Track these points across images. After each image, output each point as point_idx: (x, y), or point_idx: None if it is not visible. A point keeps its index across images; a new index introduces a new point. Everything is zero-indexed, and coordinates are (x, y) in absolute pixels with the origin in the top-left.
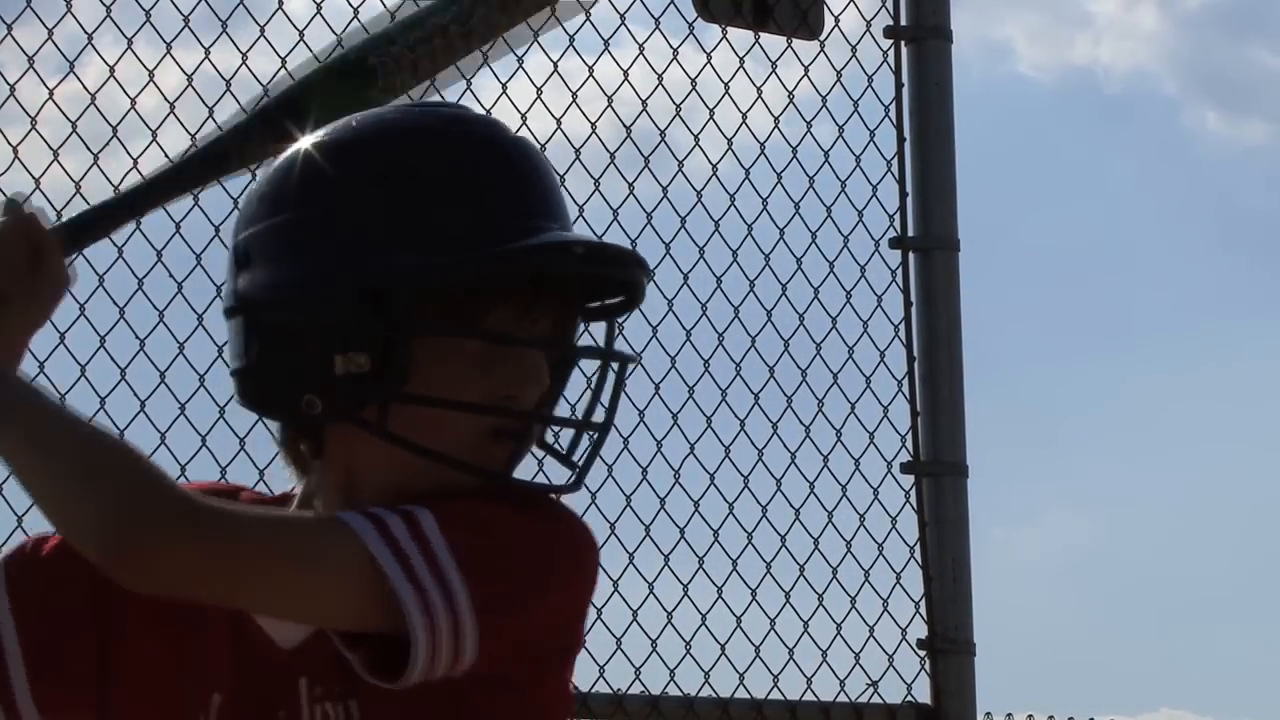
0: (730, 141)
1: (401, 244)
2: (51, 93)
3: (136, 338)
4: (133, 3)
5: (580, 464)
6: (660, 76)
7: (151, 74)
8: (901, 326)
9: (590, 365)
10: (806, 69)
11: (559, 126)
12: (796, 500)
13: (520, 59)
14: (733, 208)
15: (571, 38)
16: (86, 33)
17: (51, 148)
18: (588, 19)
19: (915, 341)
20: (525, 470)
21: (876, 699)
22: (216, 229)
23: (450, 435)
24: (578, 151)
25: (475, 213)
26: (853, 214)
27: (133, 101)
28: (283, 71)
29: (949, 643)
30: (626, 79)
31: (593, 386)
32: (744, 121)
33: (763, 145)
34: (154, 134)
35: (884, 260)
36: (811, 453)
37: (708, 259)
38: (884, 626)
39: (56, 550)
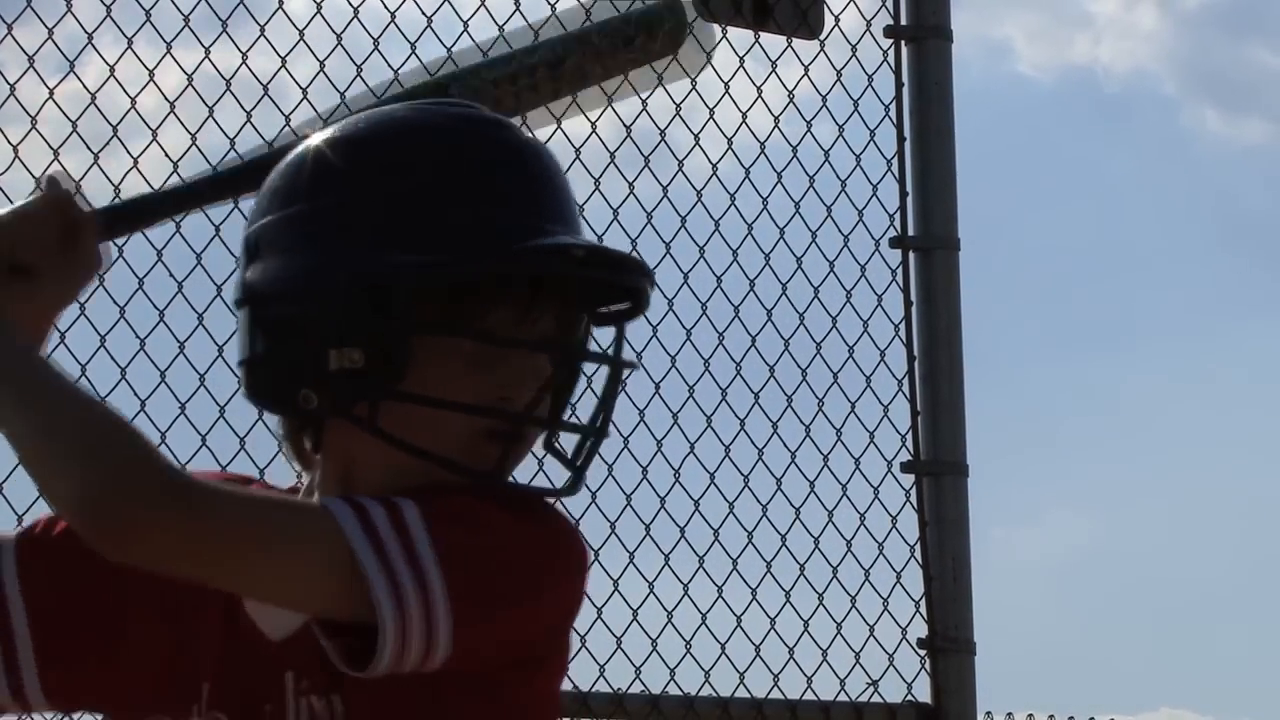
0: (730, 141)
1: (402, 241)
2: (52, 92)
3: (137, 337)
4: (133, 3)
5: (575, 469)
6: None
7: (151, 74)
8: (901, 326)
9: (587, 368)
10: (806, 69)
11: (559, 126)
12: (797, 500)
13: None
14: (733, 207)
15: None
16: (86, 32)
17: (52, 147)
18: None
19: (915, 341)
20: (525, 472)
21: (877, 698)
22: (217, 229)
23: (445, 434)
24: (578, 151)
25: (480, 213)
26: (853, 214)
27: (133, 101)
28: (283, 72)
29: (949, 642)
30: (626, 79)
31: (598, 393)
32: (744, 121)
33: (763, 145)
34: (154, 134)
35: (884, 260)
36: (812, 452)
37: (708, 259)
38: (884, 626)
39: (66, 532)
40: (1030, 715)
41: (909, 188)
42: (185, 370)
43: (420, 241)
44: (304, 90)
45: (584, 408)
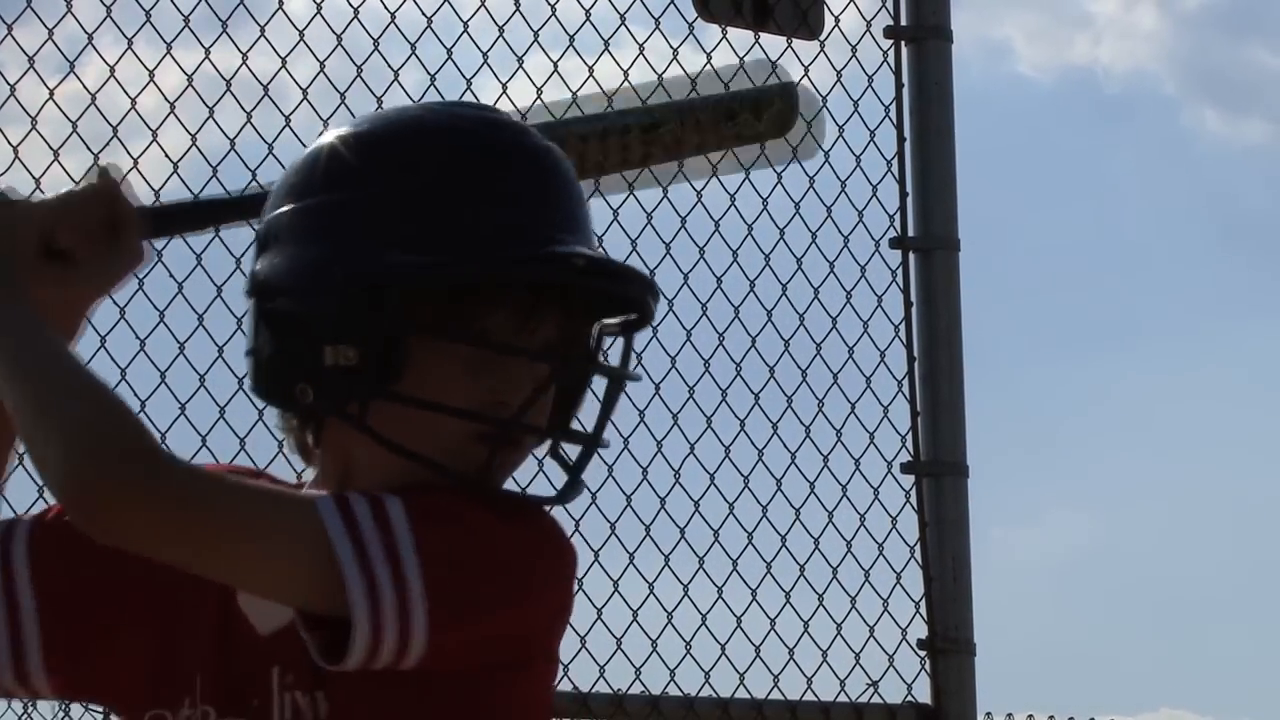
0: None
1: (404, 240)
2: (52, 93)
3: (137, 338)
4: (133, 3)
5: (570, 475)
6: (660, 76)
7: (151, 74)
8: (901, 326)
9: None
10: (806, 69)
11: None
12: (796, 500)
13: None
14: (733, 207)
15: (571, 37)
16: (86, 33)
17: (52, 148)
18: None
19: (915, 341)
20: (525, 475)
21: (876, 699)
22: (216, 229)
23: (437, 435)
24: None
25: (487, 216)
26: (853, 214)
27: (133, 101)
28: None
29: (949, 643)
30: (626, 79)
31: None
32: None
33: (763, 145)
34: (154, 134)
35: (884, 260)
36: (811, 453)
37: (708, 259)
38: (884, 626)
39: None
40: (1030, 716)
41: (909, 188)
42: (185, 370)
43: (423, 242)
44: (304, 91)
45: (586, 414)
